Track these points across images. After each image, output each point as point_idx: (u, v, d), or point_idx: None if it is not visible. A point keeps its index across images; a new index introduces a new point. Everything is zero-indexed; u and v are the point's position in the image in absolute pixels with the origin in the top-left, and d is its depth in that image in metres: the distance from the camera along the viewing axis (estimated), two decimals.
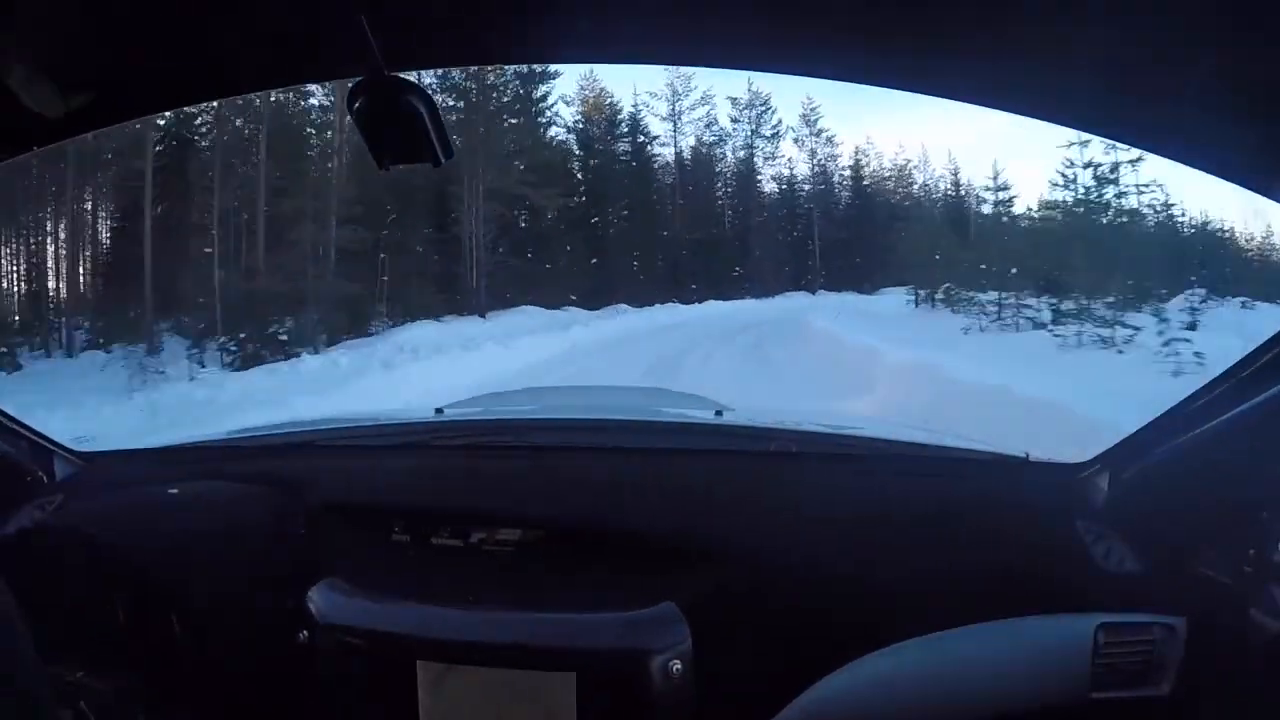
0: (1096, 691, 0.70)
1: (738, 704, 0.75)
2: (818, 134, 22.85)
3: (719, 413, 1.15)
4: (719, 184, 22.77)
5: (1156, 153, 0.62)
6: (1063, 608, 0.73)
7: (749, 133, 22.43)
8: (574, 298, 15.52)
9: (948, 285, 12.34)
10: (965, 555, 0.77)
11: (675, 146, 21.59)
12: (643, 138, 20.71)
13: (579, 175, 19.22)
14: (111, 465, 1.00)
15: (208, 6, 0.55)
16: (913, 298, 14.38)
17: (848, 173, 23.75)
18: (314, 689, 0.79)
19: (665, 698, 0.73)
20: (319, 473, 0.94)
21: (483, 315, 13.51)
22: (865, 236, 22.47)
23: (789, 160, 24.96)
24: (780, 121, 22.63)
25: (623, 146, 20.52)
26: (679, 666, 0.73)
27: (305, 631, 0.79)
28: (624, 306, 15.40)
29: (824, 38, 0.57)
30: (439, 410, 1.16)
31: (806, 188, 23.16)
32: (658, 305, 16.03)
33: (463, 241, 14.92)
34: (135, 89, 0.64)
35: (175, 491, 0.91)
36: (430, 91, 0.58)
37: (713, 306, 16.37)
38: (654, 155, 21.08)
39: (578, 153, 19.52)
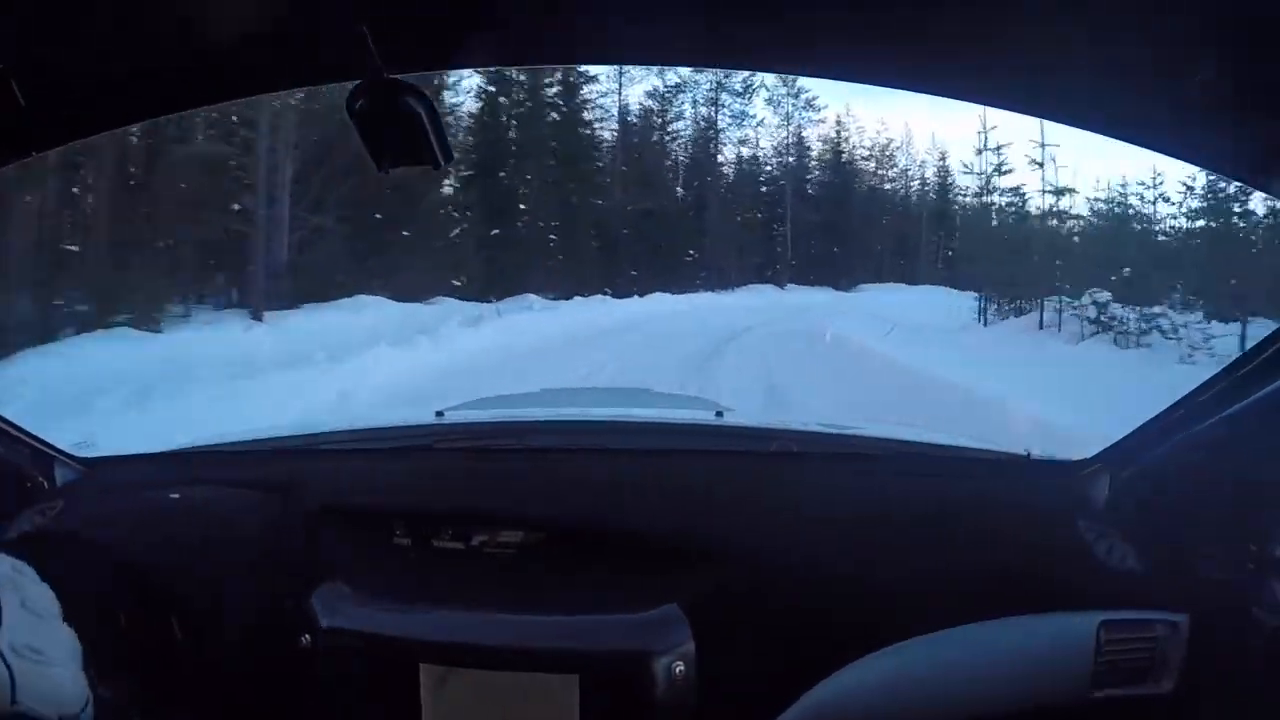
0: (1099, 689, 0.91)
1: (741, 704, 0.93)
2: (796, 94, 23.45)
3: (719, 413, 1.40)
4: (673, 145, 22.79)
5: (1157, 149, 0.81)
6: (1064, 605, 0.93)
7: (714, 85, 22.50)
8: (457, 283, 14.15)
9: (1104, 293, 9.39)
10: (967, 554, 0.98)
11: (619, 95, 21.27)
12: (577, 78, 19.85)
13: (483, 112, 17.98)
14: (112, 470, 1.17)
15: (207, 10, 0.68)
16: (977, 304, 12.62)
17: (828, 144, 24.51)
18: (316, 693, 0.94)
19: (668, 699, 0.90)
20: (320, 476, 1.12)
21: (258, 315, 10.34)
22: (847, 221, 23.19)
23: (760, 122, 25.73)
24: (753, 73, 22.63)
25: (549, 86, 19.56)
26: (682, 667, 0.91)
27: (307, 635, 0.94)
28: (531, 299, 14.20)
29: (824, 37, 0.73)
30: (439, 413, 1.37)
31: (777, 159, 23.75)
32: (579, 298, 14.93)
33: (258, 188, 10.76)
34: (133, 94, 0.77)
35: (176, 496, 1.08)
36: None
37: (659, 302, 15.67)
38: (590, 102, 20.51)
39: (488, 87, 18.24)
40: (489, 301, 13.11)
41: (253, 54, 0.74)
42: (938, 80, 0.76)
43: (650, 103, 22.21)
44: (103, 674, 0.81)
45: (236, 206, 11.30)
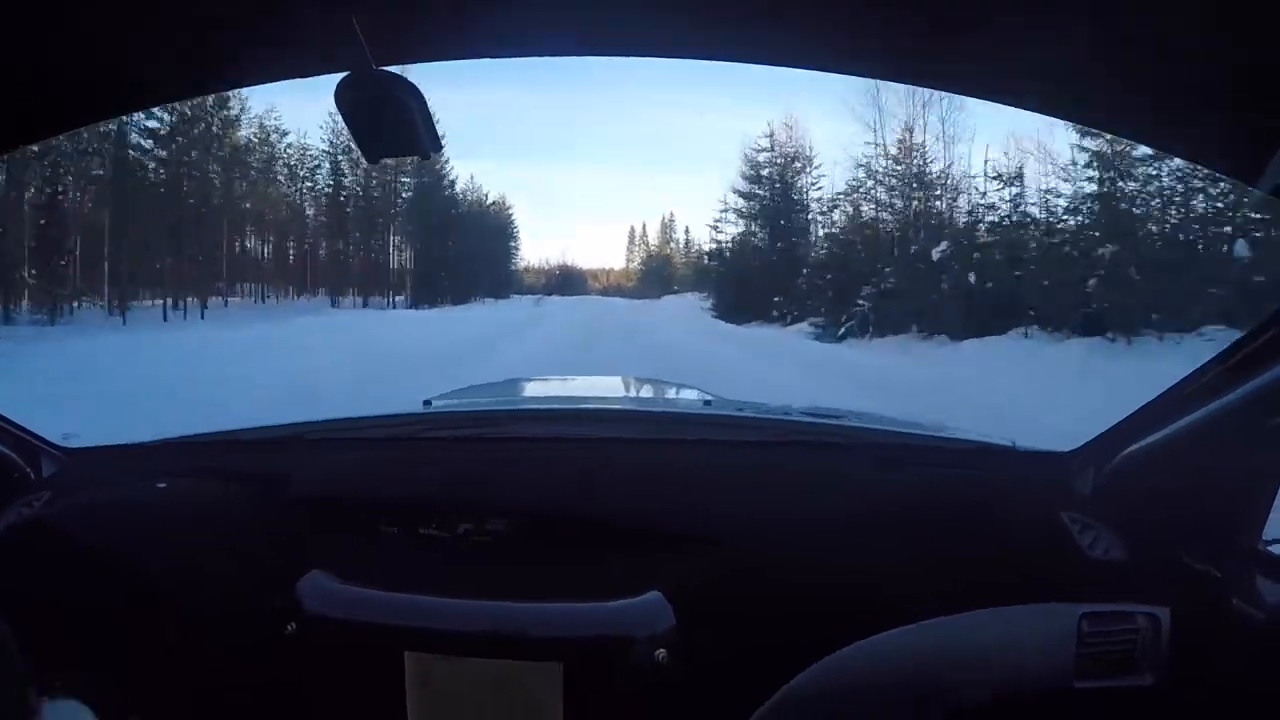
0: (1081, 680, 0.92)
1: (724, 691, 0.93)
2: None
3: (707, 402, 1.42)
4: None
5: (1145, 143, 0.83)
6: (1046, 597, 0.94)
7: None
8: None
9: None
10: (950, 544, 0.99)
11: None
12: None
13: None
14: (98, 461, 1.18)
15: (195, 2, 0.68)
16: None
17: None
18: (301, 681, 0.95)
19: (652, 686, 0.91)
20: (306, 466, 1.13)
21: None
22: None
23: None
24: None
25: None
26: (664, 654, 0.91)
27: (292, 624, 0.94)
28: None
29: (827, 31, 0.73)
30: (427, 402, 1.40)
31: None
32: None
33: None
34: (121, 86, 0.77)
35: (163, 486, 1.10)
36: None
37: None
38: None
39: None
40: None
41: (243, 46, 0.74)
42: (935, 75, 0.78)
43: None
44: (90, 663, 0.83)
45: None
